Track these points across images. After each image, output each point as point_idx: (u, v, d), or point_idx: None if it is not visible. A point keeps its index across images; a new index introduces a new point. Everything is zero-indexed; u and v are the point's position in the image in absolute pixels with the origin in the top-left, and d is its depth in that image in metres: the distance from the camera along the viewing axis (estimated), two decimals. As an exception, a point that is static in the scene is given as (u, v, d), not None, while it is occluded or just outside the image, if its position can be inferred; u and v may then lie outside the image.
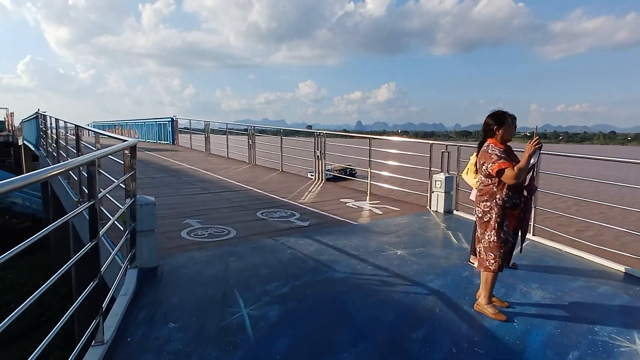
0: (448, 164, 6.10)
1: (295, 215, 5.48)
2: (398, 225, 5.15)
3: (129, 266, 3.16)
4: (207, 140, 13.78)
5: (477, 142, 2.89)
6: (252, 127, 11.30)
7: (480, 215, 2.74)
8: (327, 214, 5.60)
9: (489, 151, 2.67)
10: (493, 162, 2.59)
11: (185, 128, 16.27)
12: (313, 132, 8.87)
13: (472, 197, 3.68)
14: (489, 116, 2.79)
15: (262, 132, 12.08)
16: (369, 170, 7.52)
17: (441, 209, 6.01)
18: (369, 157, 7.52)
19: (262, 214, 5.46)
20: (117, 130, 24.45)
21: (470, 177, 3.44)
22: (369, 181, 7.48)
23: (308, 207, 6.00)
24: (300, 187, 7.75)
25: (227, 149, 12.48)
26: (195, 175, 8.58)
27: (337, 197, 6.94)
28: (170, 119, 16.63)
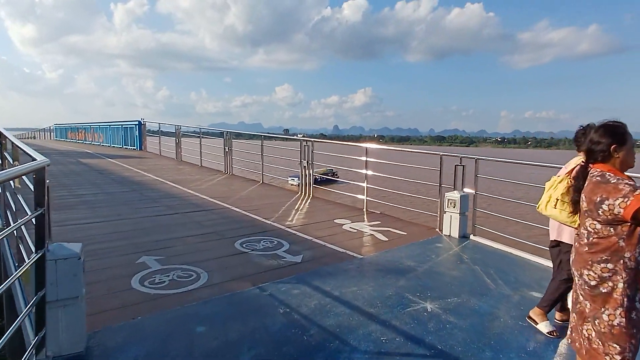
0: (463, 179, 5.17)
1: (283, 245, 4.39)
2: (412, 258, 4.15)
3: (34, 358, 2.01)
4: (178, 145, 12.48)
5: (577, 168, 1.91)
6: (229, 132, 10.12)
7: (592, 282, 1.75)
8: (323, 243, 4.54)
9: (613, 181, 1.69)
10: (625, 199, 1.61)
11: (153, 131, 14.87)
12: (299, 139, 7.80)
13: (553, 236, 2.72)
14: (599, 130, 1.81)
15: (239, 135, 10.94)
16: (364, 185, 6.52)
17: (455, 233, 5.06)
18: (366, 168, 6.52)
19: (242, 244, 4.35)
20: (80, 134, 22.63)
21: (558, 212, 2.41)
22: (365, 197, 6.48)
23: (298, 233, 4.92)
24: (285, 204, 6.66)
25: (201, 156, 11.23)
26: (162, 190, 7.35)
27: (330, 216, 5.89)
28: (137, 122, 15.20)
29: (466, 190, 5.16)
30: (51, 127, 30.78)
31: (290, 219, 5.66)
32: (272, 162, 9.04)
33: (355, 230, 5.20)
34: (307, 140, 7.62)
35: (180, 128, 12.35)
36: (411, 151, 6.72)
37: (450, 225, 5.14)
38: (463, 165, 5.16)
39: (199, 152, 11.43)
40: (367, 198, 6.46)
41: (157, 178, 8.60)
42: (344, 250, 4.31)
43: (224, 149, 10.09)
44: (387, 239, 4.87)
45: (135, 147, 15.55)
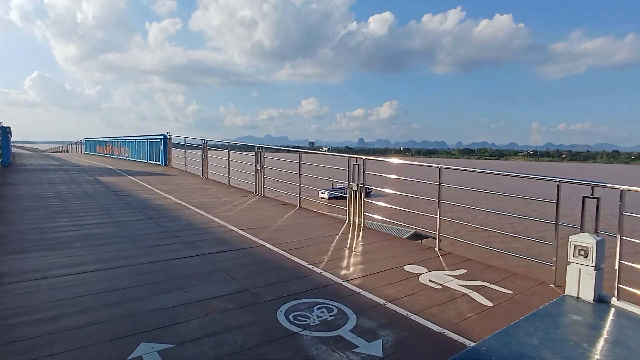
0: (597, 217, 3.63)
1: (348, 316, 2.98)
2: (549, 343, 2.65)
3: None
4: (204, 162, 11.37)
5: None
6: (261, 147, 8.88)
7: None
8: (404, 312, 3.10)
9: None
10: None
11: (180, 145, 13.90)
12: (346, 156, 6.42)
13: None
14: None
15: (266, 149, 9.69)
16: (437, 217, 5.05)
17: (587, 294, 3.51)
18: (439, 195, 5.06)
19: (288, 314, 2.96)
20: (107, 148, 22.17)
21: None
22: (437, 233, 5.00)
23: (362, 291, 3.50)
24: (334, 239, 5.27)
25: (229, 174, 10.04)
26: (183, 218, 6.10)
27: (395, 259, 4.44)
28: (162, 137, 14.29)
29: (602, 232, 3.63)
30: (82, 141, 30.84)
31: (344, 264, 4.25)
32: (309, 187, 7.72)
33: (440, 286, 3.72)
34: (357, 157, 6.24)
35: (207, 142, 11.26)
36: (501, 173, 5.13)
37: (579, 282, 3.59)
38: (597, 198, 3.63)
39: (226, 169, 10.28)
40: (441, 234, 4.99)
41: (179, 201, 7.39)
42: (441, 330, 2.85)
43: (255, 166, 8.84)
44: (491, 304, 3.37)
45: (160, 163, 14.63)
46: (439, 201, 5.05)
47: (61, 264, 3.79)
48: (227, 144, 10.72)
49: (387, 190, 6.06)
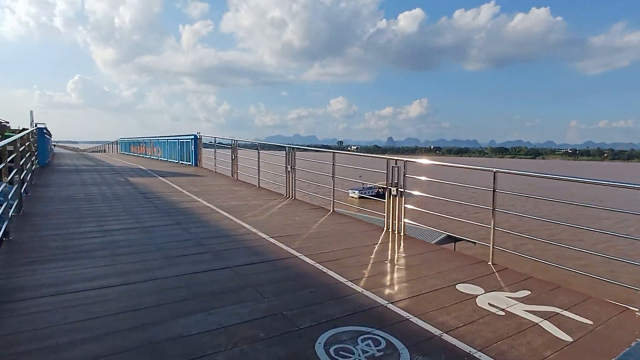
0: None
1: (398, 351, 2.51)
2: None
3: None
4: (234, 162, 11.13)
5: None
6: (291, 148, 8.50)
7: None
8: (467, 347, 2.59)
9: None
10: None
11: (210, 144, 13.77)
12: (384, 157, 5.91)
13: None
14: None
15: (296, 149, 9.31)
16: (492, 226, 4.47)
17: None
18: (493, 202, 4.49)
19: (328, 347, 2.53)
20: (141, 148, 22.53)
21: None
22: (491, 246, 4.43)
23: (412, 316, 3.01)
24: (373, 249, 4.80)
25: (259, 175, 9.73)
26: (211, 223, 5.79)
27: (444, 275, 3.92)
28: (193, 137, 14.21)
29: None
30: (118, 141, 31.70)
31: (388, 281, 3.78)
32: (338, 190, 7.25)
33: (502, 312, 3.18)
34: (397, 159, 5.72)
35: (236, 142, 11.01)
36: (581, 180, 4.33)
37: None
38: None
39: (256, 170, 9.99)
40: (496, 247, 4.42)
41: (208, 205, 7.11)
42: (517, 375, 2.33)
43: (286, 167, 8.47)
44: (570, 338, 2.81)
45: (190, 163, 14.58)
46: (493, 209, 4.47)
47: (80, 277, 3.51)
48: (256, 143, 10.42)
49: (416, 193, 5.51)
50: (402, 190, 5.63)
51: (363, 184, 46.39)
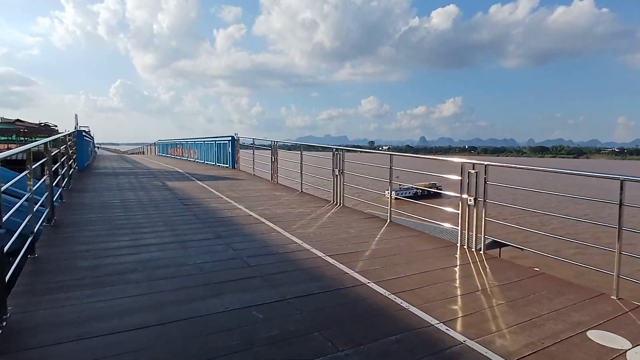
0: None
1: None
2: None
3: None
4: (273, 165, 10.48)
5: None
6: (339, 149, 7.69)
7: None
8: None
9: None
10: None
11: (246, 145, 13.25)
12: (456, 161, 5.01)
13: None
14: None
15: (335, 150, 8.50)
16: (616, 251, 3.49)
17: None
18: (619, 221, 3.50)
19: None
20: (178, 150, 22.48)
21: None
22: (616, 274, 3.45)
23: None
24: (452, 273, 3.93)
25: (302, 180, 9.02)
26: (257, 237, 5.08)
27: (563, 316, 2.99)
28: (230, 138, 13.72)
29: None
30: (155, 143, 32.14)
31: (494, 325, 2.88)
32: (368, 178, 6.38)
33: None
34: (475, 163, 4.80)
35: (276, 144, 10.35)
36: None
37: None
38: None
39: (297, 173, 9.30)
40: (622, 277, 3.43)
41: (251, 213, 6.43)
42: None
43: (333, 170, 7.69)
44: None
45: (227, 165, 14.11)
46: (619, 228, 3.48)
47: (109, 311, 2.86)
48: (297, 144, 9.72)
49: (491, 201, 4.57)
50: (483, 200, 4.71)
51: (400, 185, 45.22)
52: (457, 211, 5.07)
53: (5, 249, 3.10)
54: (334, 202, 7.67)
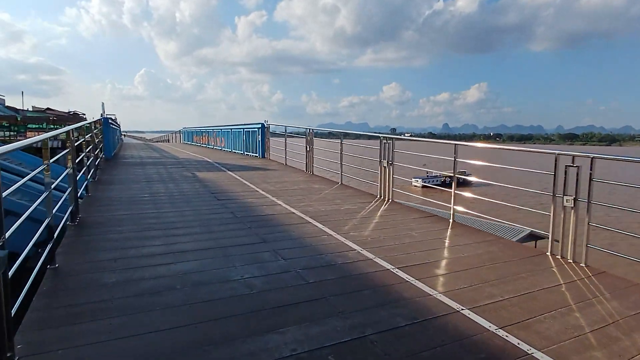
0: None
1: None
2: None
3: None
4: (309, 154, 9.72)
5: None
6: (388, 138, 6.85)
7: None
8: None
9: None
10: None
11: (279, 133, 12.55)
12: (552, 152, 4.13)
13: None
14: None
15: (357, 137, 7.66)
16: None
17: None
18: None
19: None
20: (204, 138, 22.07)
21: None
22: None
23: None
24: (560, 296, 3.11)
25: (341, 170, 8.25)
26: (307, 241, 4.35)
27: None
28: (260, 125, 13.03)
29: None
30: (181, 131, 31.95)
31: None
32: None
33: None
34: (575, 155, 3.91)
35: (312, 132, 9.56)
36: None
37: None
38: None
39: (334, 163, 8.54)
40: None
41: (293, 211, 5.72)
42: None
43: (381, 162, 6.88)
44: None
45: (257, 155, 13.47)
46: None
47: (141, 352, 2.19)
48: (334, 132, 8.93)
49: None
50: (586, 201, 3.82)
51: (427, 172, 43.94)
52: (539, 211, 4.22)
53: (20, 259, 2.48)
54: (381, 196, 6.88)
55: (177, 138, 33.33)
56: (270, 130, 13.00)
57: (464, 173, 36.41)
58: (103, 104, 26.82)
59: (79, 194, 5.22)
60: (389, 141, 6.79)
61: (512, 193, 33.05)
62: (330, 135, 10.27)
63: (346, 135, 9.36)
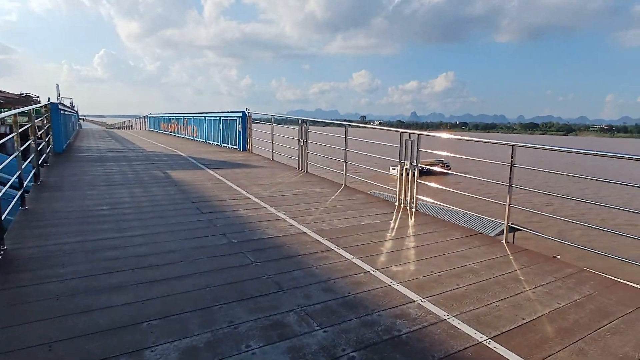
0: None
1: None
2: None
3: None
4: (302, 149, 8.35)
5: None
6: (414, 133, 5.63)
7: None
8: None
9: None
10: None
11: (263, 122, 11.10)
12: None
13: None
14: None
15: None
16: None
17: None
18: None
19: None
20: (172, 126, 20.13)
21: None
22: None
23: None
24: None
25: (345, 169, 6.97)
26: (345, 290, 3.05)
27: None
28: (241, 114, 11.47)
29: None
30: (147, 117, 29.57)
31: None
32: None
33: None
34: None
35: (307, 123, 8.17)
36: None
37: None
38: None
39: (329, 159, 7.28)
40: None
41: (304, 229, 4.38)
42: None
43: (401, 163, 5.67)
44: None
45: (236, 147, 11.94)
46: None
47: None
48: (337, 122, 7.61)
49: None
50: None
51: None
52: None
53: None
54: (401, 204, 5.68)
55: (142, 124, 30.86)
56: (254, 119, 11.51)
57: (441, 162, 36.15)
58: (58, 85, 24.09)
59: (7, 210, 3.71)
60: (412, 138, 5.56)
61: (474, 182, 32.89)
62: (325, 125, 8.97)
63: (355, 125, 8.06)
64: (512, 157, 4.25)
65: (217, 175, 7.50)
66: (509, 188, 4.32)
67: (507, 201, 4.34)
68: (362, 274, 3.28)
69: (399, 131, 5.74)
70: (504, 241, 4.32)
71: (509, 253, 3.96)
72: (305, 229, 4.41)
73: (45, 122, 7.83)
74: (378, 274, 3.30)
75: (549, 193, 5.09)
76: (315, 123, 8.81)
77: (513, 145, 4.25)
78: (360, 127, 8.10)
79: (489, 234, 5.35)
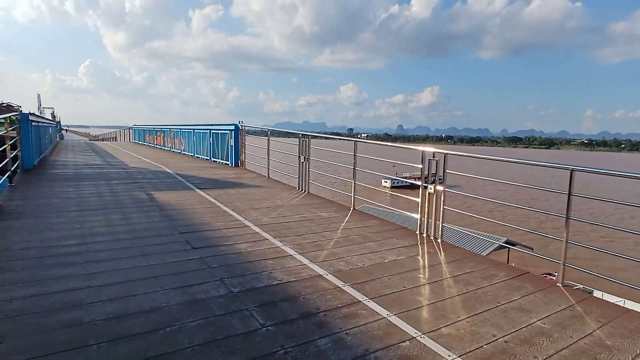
0: None
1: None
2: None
3: None
4: (303, 167, 7.55)
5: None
6: (435, 154, 4.90)
7: None
8: None
9: None
10: None
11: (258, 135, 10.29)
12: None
13: None
14: None
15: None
16: None
17: None
18: None
19: None
20: (158, 138, 19.19)
21: None
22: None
23: None
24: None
25: (354, 190, 6.20)
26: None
27: None
28: (233, 127, 10.65)
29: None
30: (132, 127, 28.51)
31: None
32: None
33: None
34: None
35: (309, 139, 7.39)
36: None
37: None
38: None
39: (331, 178, 6.49)
40: None
41: (315, 268, 3.56)
42: None
43: (424, 187, 4.92)
44: None
45: (228, 162, 11.08)
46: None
47: None
48: (345, 137, 6.88)
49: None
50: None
51: (397, 173, 43.53)
52: None
53: None
54: (425, 233, 4.91)
55: (127, 135, 29.71)
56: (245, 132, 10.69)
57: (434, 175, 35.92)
58: (39, 95, 23.02)
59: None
60: (438, 159, 4.82)
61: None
62: (325, 139, 8.27)
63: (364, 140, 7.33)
64: (570, 185, 3.51)
65: (208, 197, 6.63)
66: (565, 220, 3.59)
67: (565, 236, 3.61)
68: (407, 342, 2.49)
69: (420, 149, 5.02)
70: (560, 284, 3.59)
71: (574, 303, 3.21)
72: (320, 270, 3.59)
73: (16, 134, 6.89)
74: (428, 341, 2.51)
75: (607, 225, 4.34)
76: (315, 137, 8.06)
77: (572, 170, 3.53)
78: (372, 144, 7.35)
79: (536, 273, 4.60)
